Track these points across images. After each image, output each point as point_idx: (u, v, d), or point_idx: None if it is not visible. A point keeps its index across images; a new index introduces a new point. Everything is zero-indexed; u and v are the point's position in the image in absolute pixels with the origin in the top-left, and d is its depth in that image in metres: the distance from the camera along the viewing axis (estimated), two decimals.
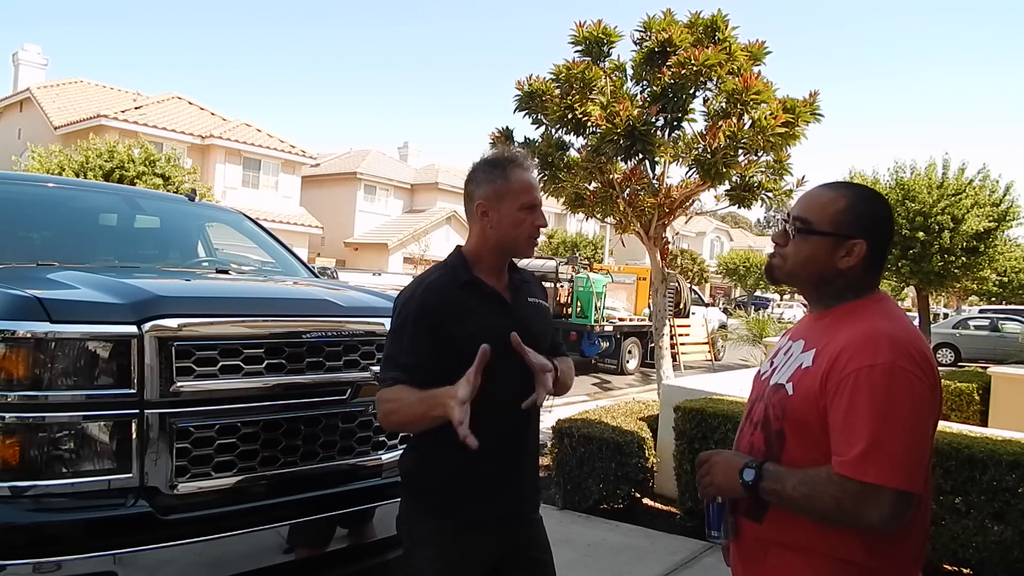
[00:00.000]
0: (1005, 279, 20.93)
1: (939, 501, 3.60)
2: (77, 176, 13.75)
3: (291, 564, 2.29)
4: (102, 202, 3.79)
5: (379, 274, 18.61)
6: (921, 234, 10.94)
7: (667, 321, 6.91)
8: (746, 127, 5.45)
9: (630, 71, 6.11)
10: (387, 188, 32.60)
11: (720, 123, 5.45)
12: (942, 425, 4.29)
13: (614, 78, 5.97)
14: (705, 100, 5.85)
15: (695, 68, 5.41)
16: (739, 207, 6.27)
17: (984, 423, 7.01)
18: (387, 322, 1.96)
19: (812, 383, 1.40)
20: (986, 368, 9.14)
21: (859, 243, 1.45)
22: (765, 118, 5.32)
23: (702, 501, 1.58)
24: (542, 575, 1.92)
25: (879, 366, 1.31)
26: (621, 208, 6.20)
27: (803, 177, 5.95)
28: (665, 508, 4.88)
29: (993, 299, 25.47)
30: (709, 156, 5.47)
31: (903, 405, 1.30)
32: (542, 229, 1.89)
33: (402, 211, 33.03)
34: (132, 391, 2.05)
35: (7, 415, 1.94)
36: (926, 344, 1.42)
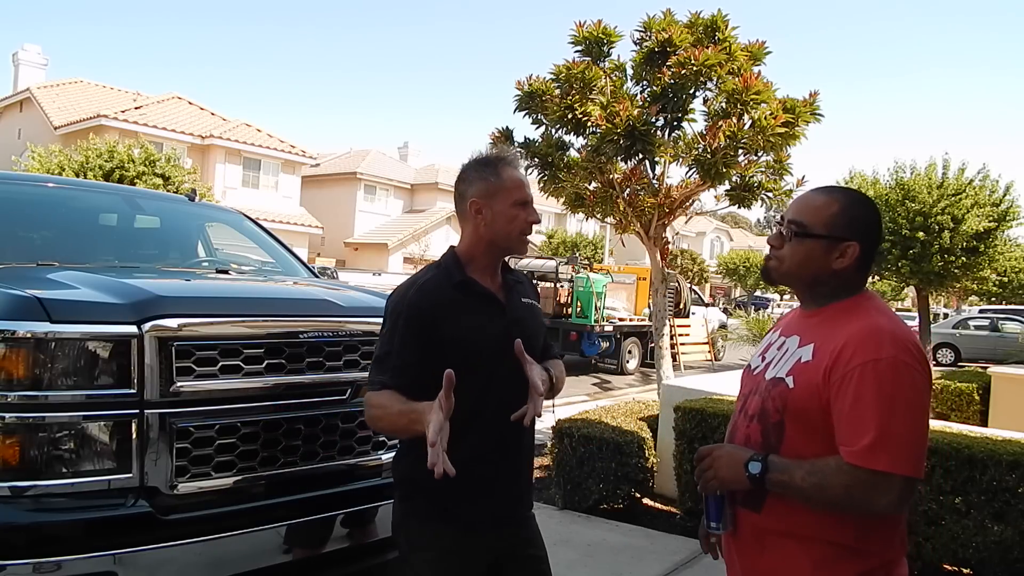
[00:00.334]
0: (1005, 279, 20.91)
1: (939, 501, 3.60)
2: (77, 176, 13.74)
3: (291, 564, 2.29)
4: (102, 202, 3.78)
5: (379, 274, 18.61)
6: (921, 234, 10.93)
7: (667, 321, 6.91)
8: (746, 127, 5.45)
9: (630, 71, 6.11)
10: (387, 188, 32.61)
11: (720, 123, 5.45)
12: (942, 425, 4.30)
13: (614, 78, 5.98)
14: (705, 100, 5.86)
15: (695, 68, 5.41)
16: (739, 207, 6.28)
17: (984, 423, 7.01)
18: None
19: (814, 376, 1.45)
20: (986, 368, 9.14)
21: (852, 245, 1.52)
22: (765, 118, 5.32)
23: (701, 494, 1.61)
24: (538, 571, 1.92)
25: (883, 360, 1.38)
26: (621, 208, 6.20)
27: (803, 177, 5.96)
28: (665, 508, 4.88)
29: (993, 299, 25.46)
30: (709, 156, 5.47)
31: (907, 397, 1.37)
32: (535, 225, 1.90)
33: (402, 211, 33.04)
34: (132, 391, 2.05)
35: (7, 415, 1.93)
36: (918, 339, 1.50)
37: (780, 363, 1.57)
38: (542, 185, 6.37)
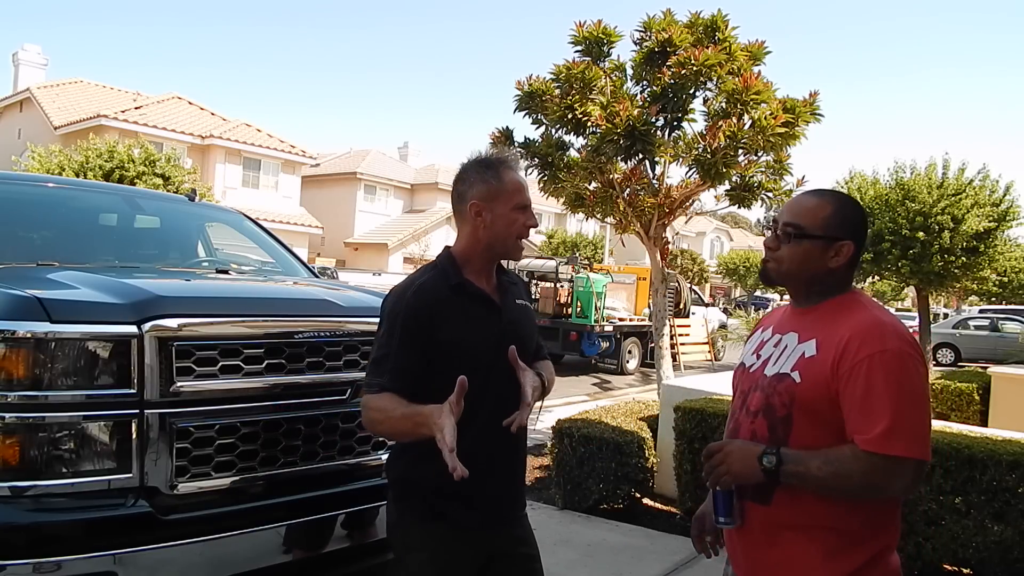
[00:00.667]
0: (1005, 279, 20.86)
1: (939, 501, 3.60)
2: (77, 176, 13.73)
3: (291, 564, 2.29)
4: (102, 202, 3.78)
5: (379, 274, 18.62)
6: (921, 234, 10.90)
7: (667, 321, 6.91)
8: (746, 127, 5.45)
9: (630, 71, 6.11)
10: (387, 188, 32.60)
11: (720, 123, 5.45)
12: (942, 425, 4.30)
13: (614, 78, 5.97)
14: (705, 100, 5.85)
15: (695, 68, 5.41)
16: (739, 207, 6.27)
17: (984, 423, 7.00)
18: None
19: (822, 370, 1.51)
20: (986, 368, 9.13)
21: (847, 244, 1.60)
22: (765, 118, 5.32)
23: (710, 489, 1.64)
24: (530, 570, 1.93)
25: (889, 351, 1.46)
26: (621, 208, 6.20)
27: (803, 177, 5.95)
28: (665, 508, 4.88)
29: (993, 299, 25.42)
30: (709, 156, 5.47)
31: (914, 385, 1.46)
32: (532, 230, 1.90)
33: (402, 211, 33.03)
34: (132, 391, 2.05)
35: (7, 415, 1.94)
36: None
37: (781, 359, 1.61)
38: (542, 185, 6.36)
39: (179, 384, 2.11)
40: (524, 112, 6.12)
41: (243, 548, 2.17)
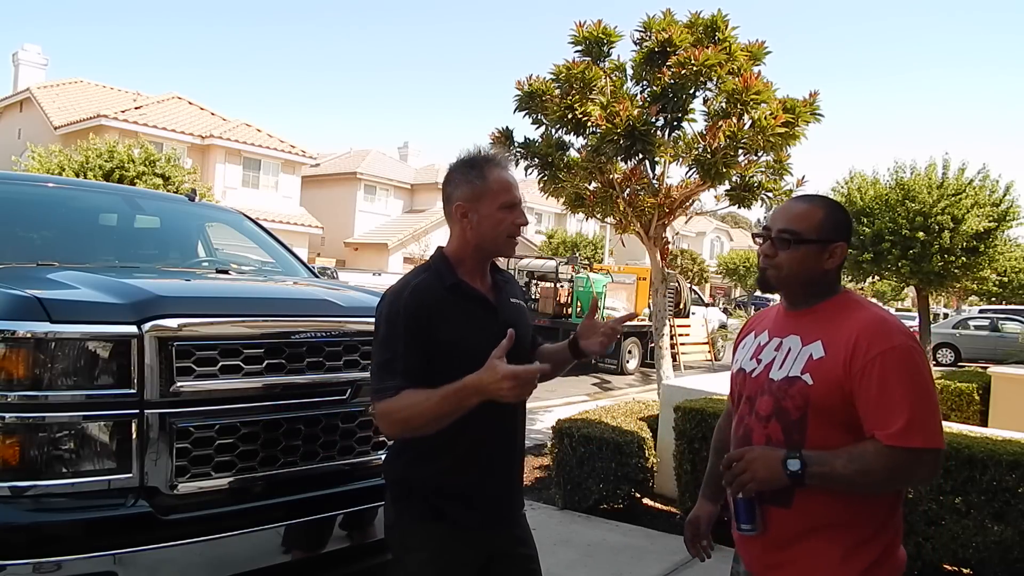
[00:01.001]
0: (1005, 279, 20.86)
1: (939, 501, 3.60)
2: (77, 176, 13.73)
3: (291, 564, 2.29)
4: (102, 202, 3.79)
5: (379, 274, 18.60)
6: (921, 234, 10.90)
7: (667, 321, 6.91)
8: (746, 127, 5.45)
9: (630, 71, 6.11)
10: (387, 188, 32.59)
11: (720, 123, 5.45)
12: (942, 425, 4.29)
13: (614, 78, 5.97)
14: (705, 100, 5.85)
15: (695, 68, 5.41)
16: (739, 207, 6.27)
17: (984, 423, 7.00)
18: None
19: (833, 370, 1.56)
20: (986, 368, 9.13)
21: (840, 245, 1.66)
22: (765, 118, 5.32)
23: (731, 497, 1.66)
24: (529, 570, 1.93)
25: (898, 348, 1.52)
26: (621, 208, 6.20)
27: (803, 177, 5.95)
28: (665, 508, 4.88)
29: (993, 299, 25.42)
30: (709, 156, 5.47)
31: (924, 378, 1.52)
32: (527, 226, 1.89)
33: (402, 211, 33.02)
34: (132, 391, 2.05)
35: (7, 415, 1.94)
36: None
37: (787, 362, 1.64)
38: (542, 185, 6.36)
39: (179, 384, 2.11)
40: (524, 112, 6.12)
41: (243, 548, 2.17)
